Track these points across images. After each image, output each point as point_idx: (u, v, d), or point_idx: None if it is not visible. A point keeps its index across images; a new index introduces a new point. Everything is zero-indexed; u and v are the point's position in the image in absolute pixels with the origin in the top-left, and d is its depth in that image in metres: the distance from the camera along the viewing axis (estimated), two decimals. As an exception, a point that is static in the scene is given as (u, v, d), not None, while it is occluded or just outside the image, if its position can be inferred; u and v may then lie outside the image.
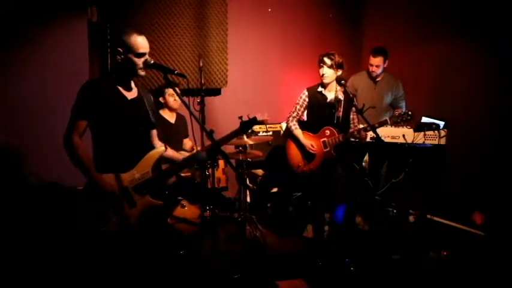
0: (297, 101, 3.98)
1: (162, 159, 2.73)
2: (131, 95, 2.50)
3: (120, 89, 2.45)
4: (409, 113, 3.64)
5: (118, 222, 2.37)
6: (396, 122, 3.70)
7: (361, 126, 3.86)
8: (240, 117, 2.98)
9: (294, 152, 3.99)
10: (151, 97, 2.66)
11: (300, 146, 3.94)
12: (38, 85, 3.84)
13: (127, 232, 2.40)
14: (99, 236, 2.38)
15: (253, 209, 4.41)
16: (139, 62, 2.38)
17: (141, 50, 2.38)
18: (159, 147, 2.60)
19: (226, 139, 2.68)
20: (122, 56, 2.36)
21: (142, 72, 2.42)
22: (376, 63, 4.43)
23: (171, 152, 2.75)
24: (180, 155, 2.79)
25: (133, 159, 2.47)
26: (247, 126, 2.78)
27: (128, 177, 2.43)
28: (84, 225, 2.42)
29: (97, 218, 2.36)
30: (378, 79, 4.57)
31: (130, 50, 2.36)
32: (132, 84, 2.52)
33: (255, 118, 2.77)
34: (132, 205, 2.42)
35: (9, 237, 3.41)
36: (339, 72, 3.77)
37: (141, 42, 2.37)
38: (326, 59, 3.75)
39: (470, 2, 4.26)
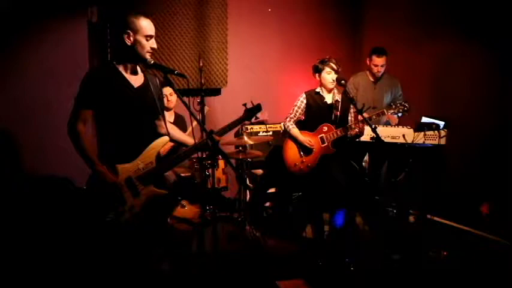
0: (295, 103, 4.00)
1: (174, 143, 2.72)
2: (138, 82, 2.47)
3: (127, 76, 2.43)
4: (406, 104, 3.70)
5: (122, 212, 2.36)
6: (394, 113, 3.76)
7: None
8: (244, 104, 2.95)
9: (291, 151, 3.99)
10: (158, 81, 2.62)
11: (298, 143, 3.95)
12: (38, 85, 3.84)
13: (132, 224, 2.39)
14: (104, 228, 2.38)
15: (251, 208, 4.41)
16: (147, 45, 2.38)
17: (149, 32, 2.39)
18: (163, 137, 2.55)
19: (231, 126, 2.65)
20: (132, 38, 2.36)
21: (148, 57, 2.40)
22: (382, 63, 4.45)
23: (181, 136, 2.74)
24: (190, 139, 2.75)
25: (138, 148, 2.45)
26: (251, 112, 2.74)
27: (132, 167, 2.42)
28: (90, 215, 2.42)
29: (102, 208, 2.36)
30: (378, 79, 4.58)
31: (139, 31, 2.36)
32: (139, 70, 2.49)
33: (259, 105, 2.73)
34: (136, 195, 2.41)
35: (12, 235, 3.42)
36: None
37: (148, 24, 2.40)
38: (335, 66, 3.78)
39: (470, 2, 4.26)
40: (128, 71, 2.44)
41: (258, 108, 2.74)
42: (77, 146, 2.33)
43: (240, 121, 2.71)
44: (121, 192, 2.37)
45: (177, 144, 2.90)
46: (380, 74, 4.51)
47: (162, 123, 2.63)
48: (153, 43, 2.40)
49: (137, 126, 2.45)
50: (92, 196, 2.40)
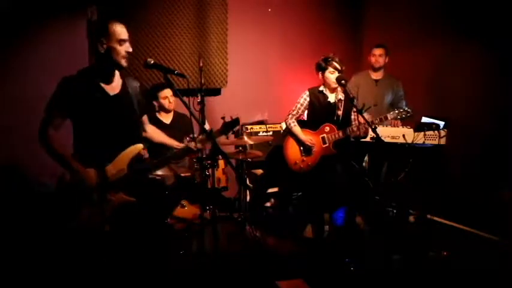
0: (298, 100, 3.99)
1: (156, 144, 2.74)
2: (114, 89, 2.46)
3: (102, 84, 2.42)
4: (409, 110, 3.70)
5: (90, 217, 2.36)
6: (396, 118, 3.76)
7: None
8: (223, 118, 2.96)
9: (291, 149, 3.99)
10: (138, 85, 2.60)
11: (299, 142, 3.95)
12: (37, 85, 3.83)
13: (101, 229, 2.39)
14: (75, 232, 2.38)
15: (251, 208, 4.41)
16: (122, 50, 2.37)
17: (122, 36, 2.37)
18: (137, 144, 2.54)
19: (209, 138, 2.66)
20: (105, 46, 2.34)
21: (124, 62, 2.40)
22: (379, 52, 4.52)
23: (164, 138, 2.74)
24: (173, 141, 2.75)
25: (115, 155, 2.45)
26: (228, 127, 2.77)
27: (103, 174, 2.41)
28: (60, 219, 2.41)
29: (71, 212, 2.36)
30: (379, 78, 4.59)
31: (112, 38, 2.35)
32: (116, 77, 2.48)
33: (237, 119, 2.75)
34: (105, 201, 2.40)
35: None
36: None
37: (121, 29, 2.38)
38: (338, 65, 3.75)
39: (470, 2, 4.26)
40: (104, 80, 2.43)
41: (235, 122, 2.76)
42: (49, 151, 2.35)
43: (216, 134, 2.72)
44: (92, 196, 2.36)
45: (160, 147, 2.89)
46: (378, 65, 4.55)
47: (145, 127, 2.65)
48: (127, 47, 2.39)
49: (113, 133, 2.44)
50: (63, 198, 2.39)
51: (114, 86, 2.47)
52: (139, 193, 2.50)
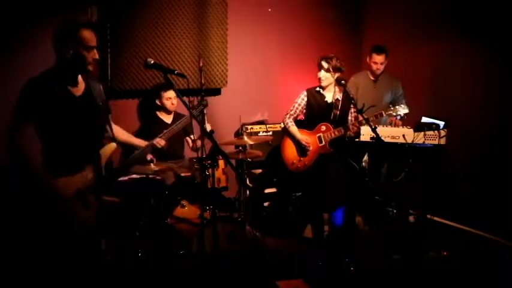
0: (296, 100, 4.02)
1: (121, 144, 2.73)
2: (79, 90, 2.41)
3: (68, 86, 2.37)
4: (404, 106, 3.74)
5: (74, 224, 2.32)
6: (391, 115, 3.82)
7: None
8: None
9: (288, 149, 4.01)
10: (101, 86, 2.54)
11: (295, 142, 3.97)
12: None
13: (89, 235, 2.36)
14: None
15: (251, 208, 4.41)
16: (89, 56, 2.31)
17: (90, 44, 2.31)
18: (110, 143, 2.51)
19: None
20: (71, 51, 2.27)
21: (90, 68, 2.36)
22: (381, 60, 4.45)
23: (129, 138, 2.72)
24: (139, 140, 2.72)
25: (86, 157, 2.41)
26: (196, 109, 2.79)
27: (80, 179, 2.36)
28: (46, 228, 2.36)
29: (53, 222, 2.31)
30: (378, 78, 4.58)
31: (80, 44, 2.28)
32: (80, 79, 2.43)
33: (202, 100, 2.78)
34: (87, 207, 2.35)
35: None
36: (337, 75, 3.81)
37: (89, 35, 2.31)
38: (323, 63, 3.81)
39: (470, 2, 4.26)
40: (69, 82, 2.37)
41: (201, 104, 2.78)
42: (20, 161, 2.28)
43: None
44: (71, 205, 2.30)
45: (125, 146, 2.86)
46: (379, 71, 4.51)
47: (108, 127, 2.60)
48: (94, 54, 2.33)
49: (81, 136, 2.40)
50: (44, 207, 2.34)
51: (79, 87, 2.42)
52: (120, 193, 2.47)
